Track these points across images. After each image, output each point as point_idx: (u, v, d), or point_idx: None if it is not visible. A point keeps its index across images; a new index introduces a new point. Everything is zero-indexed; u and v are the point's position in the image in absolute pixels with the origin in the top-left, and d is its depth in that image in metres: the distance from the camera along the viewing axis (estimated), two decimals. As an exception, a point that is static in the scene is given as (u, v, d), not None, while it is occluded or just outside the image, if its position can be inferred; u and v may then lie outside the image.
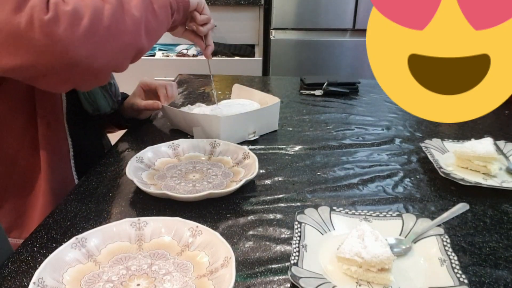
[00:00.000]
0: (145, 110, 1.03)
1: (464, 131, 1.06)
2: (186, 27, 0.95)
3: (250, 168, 0.79)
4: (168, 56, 2.34)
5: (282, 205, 0.72)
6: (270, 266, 0.57)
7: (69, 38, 0.61)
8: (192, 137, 0.96)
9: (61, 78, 0.66)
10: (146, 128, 1.06)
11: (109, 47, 0.67)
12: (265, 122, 1.01)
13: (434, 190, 0.77)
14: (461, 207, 0.65)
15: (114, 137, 1.08)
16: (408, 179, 0.81)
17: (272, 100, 1.03)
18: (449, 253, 0.56)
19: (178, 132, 1.01)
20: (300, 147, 0.95)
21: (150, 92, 1.05)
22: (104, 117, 1.07)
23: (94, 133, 1.00)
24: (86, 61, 0.64)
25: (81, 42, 0.62)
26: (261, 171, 0.83)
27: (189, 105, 1.11)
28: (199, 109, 1.05)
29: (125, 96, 1.09)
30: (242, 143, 0.93)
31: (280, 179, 0.80)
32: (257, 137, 0.98)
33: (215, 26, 0.99)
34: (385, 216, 0.66)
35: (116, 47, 0.68)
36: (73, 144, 0.87)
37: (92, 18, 0.63)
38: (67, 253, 0.54)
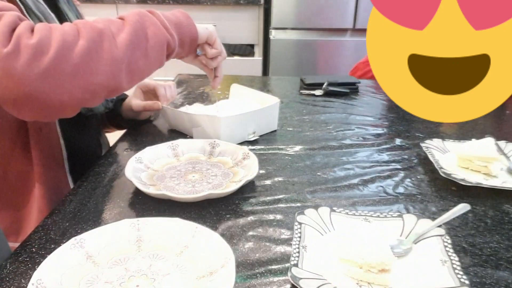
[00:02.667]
0: (144, 111, 1.02)
1: (465, 131, 1.06)
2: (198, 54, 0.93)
3: (250, 168, 0.79)
4: (167, 56, 2.33)
5: (282, 205, 0.71)
6: (270, 267, 0.57)
7: (26, 73, 0.58)
8: (192, 138, 0.96)
9: (19, 109, 0.63)
10: (145, 129, 1.05)
11: (74, 85, 0.63)
12: (265, 122, 1.01)
13: (435, 190, 0.77)
14: (462, 208, 0.65)
15: (113, 137, 1.08)
16: (408, 180, 0.80)
17: (271, 100, 1.03)
18: (450, 253, 0.56)
19: (178, 133, 1.01)
20: (300, 147, 0.95)
21: (149, 92, 1.04)
22: (100, 116, 1.06)
23: (89, 133, 0.99)
24: (45, 97, 0.61)
25: (39, 78, 0.59)
26: (261, 172, 0.82)
27: (187, 105, 1.11)
28: (197, 109, 1.05)
29: (124, 97, 1.08)
30: (241, 144, 0.93)
31: (280, 179, 0.80)
32: (257, 137, 0.97)
33: (226, 57, 0.96)
34: (385, 216, 0.65)
35: (83, 86, 0.64)
36: (67, 146, 0.85)
37: (58, 53, 0.60)
38: (66, 254, 0.54)
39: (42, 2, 0.79)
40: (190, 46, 0.84)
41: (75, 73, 0.62)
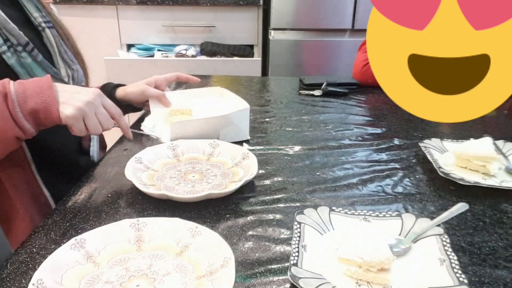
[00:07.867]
0: (144, 101, 1.02)
1: (463, 130, 1.06)
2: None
3: (249, 168, 0.79)
4: (167, 57, 2.33)
5: (282, 205, 0.72)
6: (269, 267, 0.57)
7: None
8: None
9: None
10: (145, 129, 1.05)
11: None
12: None
13: (434, 190, 0.77)
14: (460, 207, 0.65)
15: (113, 138, 1.07)
16: (407, 179, 0.81)
17: (227, 93, 1.05)
18: (448, 253, 0.56)
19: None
20: (299, 147, 0.95)
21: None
22: None
23: (62, 131, 0.86)
24: None
25: None
26: (260, 172, 0.83)
27: (167, 88, 1.07)
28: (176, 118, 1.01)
29: (115, 85, 1.03)
30: (241, 144, 0.93)
31: (279, 179, 0.80)
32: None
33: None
34: (384, 216, 0.66)
35: None
36: (33, 148, 0.80)
37: None
38: (66, 254, 0.54)
39: None
40: (54, 121, 0.71)
41: None
